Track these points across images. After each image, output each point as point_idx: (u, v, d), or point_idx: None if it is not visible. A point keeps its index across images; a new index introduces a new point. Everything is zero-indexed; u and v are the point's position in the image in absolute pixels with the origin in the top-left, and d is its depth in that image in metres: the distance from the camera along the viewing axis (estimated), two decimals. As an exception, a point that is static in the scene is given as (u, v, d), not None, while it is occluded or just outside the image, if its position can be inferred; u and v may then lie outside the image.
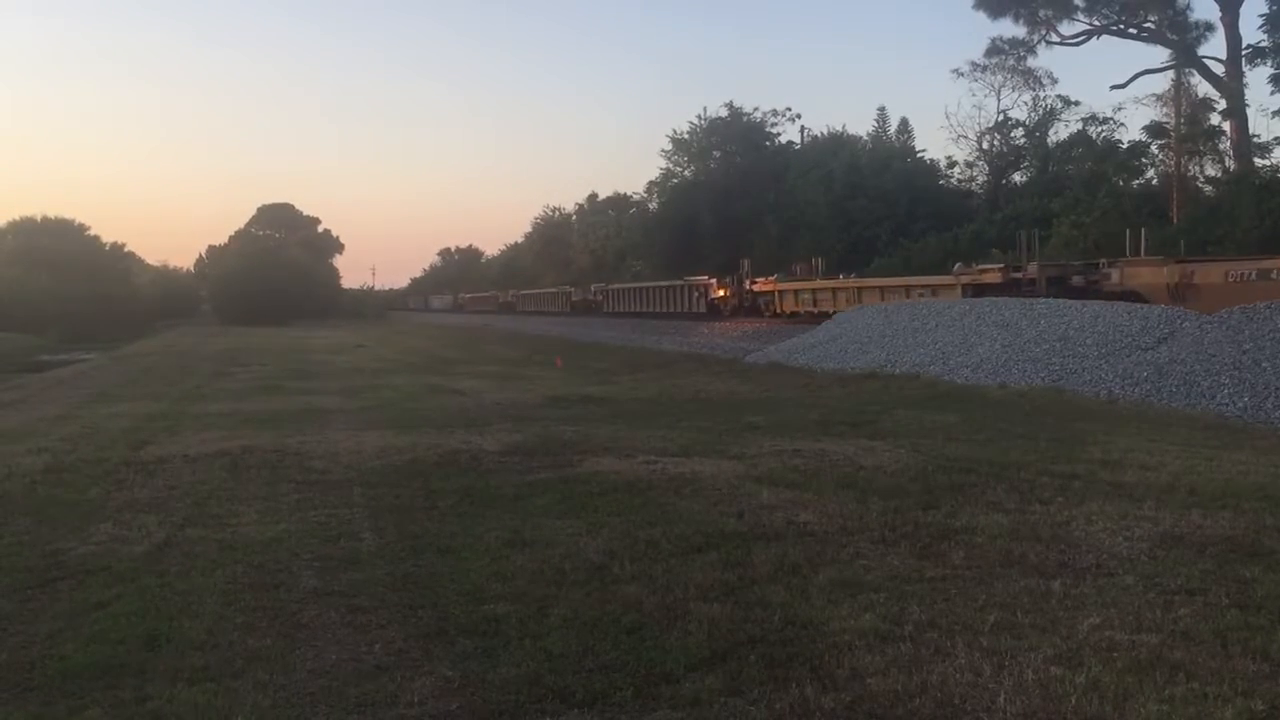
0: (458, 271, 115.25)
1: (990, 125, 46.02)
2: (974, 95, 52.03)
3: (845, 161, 44.62)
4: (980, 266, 25.25)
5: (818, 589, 5.43)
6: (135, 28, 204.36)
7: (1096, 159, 38.24)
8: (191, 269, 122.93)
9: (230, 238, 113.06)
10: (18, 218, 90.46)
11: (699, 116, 59.08)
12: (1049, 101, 44.85)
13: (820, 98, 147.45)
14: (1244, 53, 35.97)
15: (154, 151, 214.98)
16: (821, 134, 54.68)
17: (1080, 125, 43.08)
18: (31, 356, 43.21)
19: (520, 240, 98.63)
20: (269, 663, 4.62)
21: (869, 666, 4.34)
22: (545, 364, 26.37)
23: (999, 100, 45.86)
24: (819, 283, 31.09)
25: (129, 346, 47.19)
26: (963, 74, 45.48)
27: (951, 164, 48.34)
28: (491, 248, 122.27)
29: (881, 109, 60.59)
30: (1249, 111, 36.02)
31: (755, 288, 35.05)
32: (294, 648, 4.82)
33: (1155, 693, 3.98)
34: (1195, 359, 14.90)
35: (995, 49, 43.51)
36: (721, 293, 37.54)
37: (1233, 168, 34.68)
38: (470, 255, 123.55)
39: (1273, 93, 35.69)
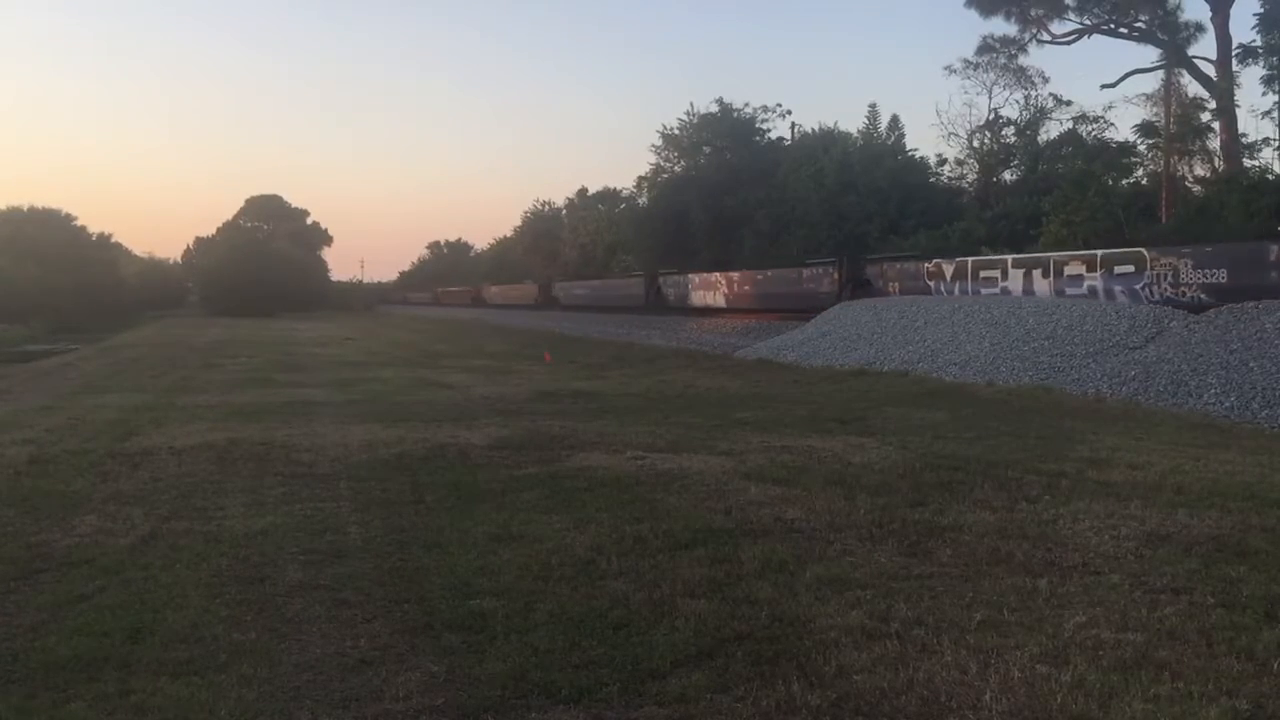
0: (448, 266, 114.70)
1: (981, 123, 46.13)
2: (965, 93, 52.39)
3: (837, 158, 44.58)
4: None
5: (805, 586, 5.43)
6: (124, 18, 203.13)
7: (1086, 158, 38.35)
8: (179, 260, 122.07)
9: (218, 229, 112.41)
10: (4, 207, 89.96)
11: (688, 113, 59.01)
12: (1040, 100, 45.02)
13: (811, 94, 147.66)
14: (1234, 53, 36.08)
15: (142, 142, 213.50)
16: (813, 130, 54.63)
17: (1071, 124, 43.26)
18: (17, 347, 42.99)
19: (509, 234, 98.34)
20: (253, 656, 4.59)
21: (855, 664, 4.34)
22: (534, 358, 26.32)
23: (990, 98, 45.97)
24: None
25: (116, 337, 46.94)
26: (954, 71, 45.53)
27: (942, 161, 48.41)
28: (481, 241, 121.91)
29: (872, 106, 60.37)
30: (1239, 112, 36.21)
31: None
32: (279, 641, 4.79)
33: (1140, 691, 3.98)
34: (1183, 359, 14.96)
35: (986, 47, 43.54)
36: None
37: (1222, 168, 34.81)
38: (459, 249, 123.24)
39: (1263, 93, 35.90)
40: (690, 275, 40.88)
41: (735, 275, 37.17)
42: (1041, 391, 15.20)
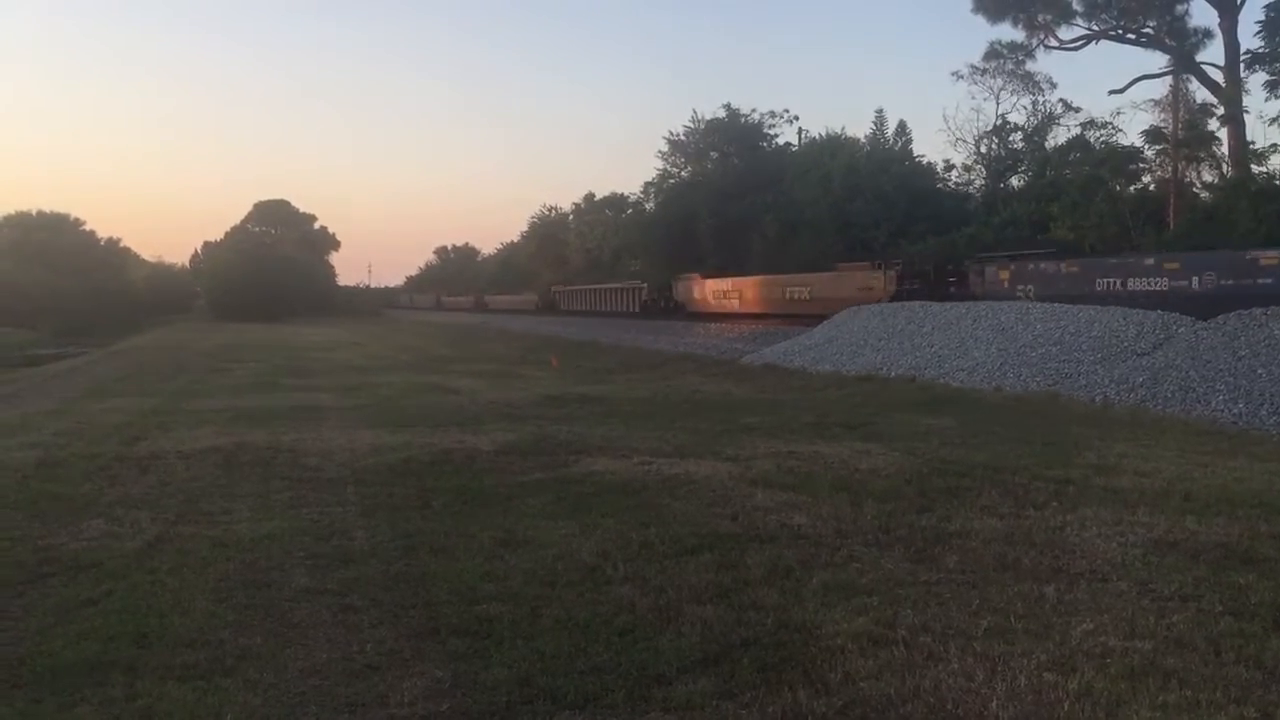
0: (454, 271, 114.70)
1: (989, 129, 46.08)
2: (973, 99, 51.80)
3: (844, 163, 44.55)
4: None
5: (811, 592, 5.42)
6: (133, 23, 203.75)
7: (1094, 164, 38.28)
8: (187, 265, 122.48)
9: (226, 234, 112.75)
10: (13, 211, 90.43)
11: (694, 119, 59.09)
12: (1048, 106, 44.95)
13: (818, 100, 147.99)
14: (1242, 59, 35.88)
15: (151, 146, 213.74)
16: (820, 136, 54.60)
17: (1079, 130, 43.16)
18: (25, 351, 43.14)
19: (516, 239, 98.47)
20: (259, 661, 4.60)
21: (862, 671, 4.33)
22: (540, 363, 26.33)
23: (998, 104, 45.90)
24: None
25: (123, 342, 47.09)
26: (962, 77, 45.45)
27: (949, 167, 48.34)
28: (488, 246, 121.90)
29: (879, 112, 60.30)
30: (1247, 118, 36.05)
31: None
32: (285, 646, 4.79)
33: (1148, 700, 3.97)
34: (1191, 365, 14.90)
35: (994, 53, 43.41)
36: None
37: (1230, 173, 34.69)
38: (466, 253, 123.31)
39: (1269, 99, 35.72)
40: (570, 289, 61.68)
41: (589, 287, 57.78)
42: (1048, 397, 15.16)
